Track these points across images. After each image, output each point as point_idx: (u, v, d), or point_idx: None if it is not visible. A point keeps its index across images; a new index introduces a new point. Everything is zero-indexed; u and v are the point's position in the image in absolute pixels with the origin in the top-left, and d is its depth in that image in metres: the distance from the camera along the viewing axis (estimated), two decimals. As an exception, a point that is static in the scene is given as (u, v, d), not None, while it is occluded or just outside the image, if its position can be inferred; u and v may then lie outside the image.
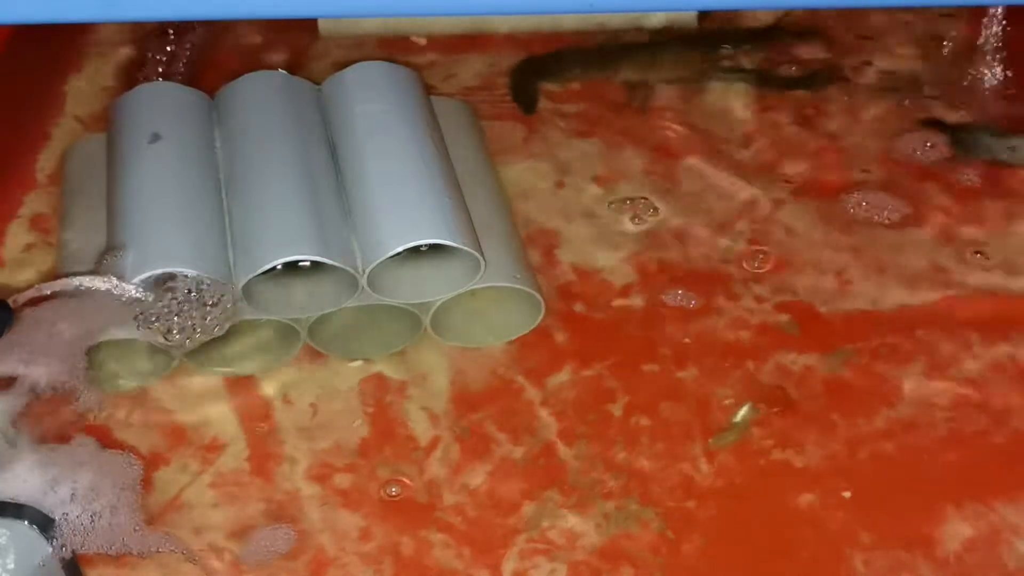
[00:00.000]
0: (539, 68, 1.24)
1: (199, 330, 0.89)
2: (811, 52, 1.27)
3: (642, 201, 1.09)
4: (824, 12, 1.31)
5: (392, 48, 1.26)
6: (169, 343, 0.90)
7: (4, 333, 0.88)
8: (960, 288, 1.01)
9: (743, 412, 0.91)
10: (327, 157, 1.02)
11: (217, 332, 0.91)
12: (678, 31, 1.28)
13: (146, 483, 0.84)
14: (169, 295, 0.89)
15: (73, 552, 0.78)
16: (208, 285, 0.90)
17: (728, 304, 1.00)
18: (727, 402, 0.92)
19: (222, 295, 0.90)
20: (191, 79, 1.16)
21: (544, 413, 0.92)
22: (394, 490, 0.86)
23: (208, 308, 0.89)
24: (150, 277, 0.90)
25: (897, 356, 0.95)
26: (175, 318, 0.89)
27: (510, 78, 1.23)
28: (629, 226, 1.07)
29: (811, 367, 0.95)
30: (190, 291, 0.89)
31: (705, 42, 1.28)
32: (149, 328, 0.89)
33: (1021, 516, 0.84)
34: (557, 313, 0.99)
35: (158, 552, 0.81)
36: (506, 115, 1.19)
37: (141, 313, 0.89)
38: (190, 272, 0.90)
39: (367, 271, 0.91)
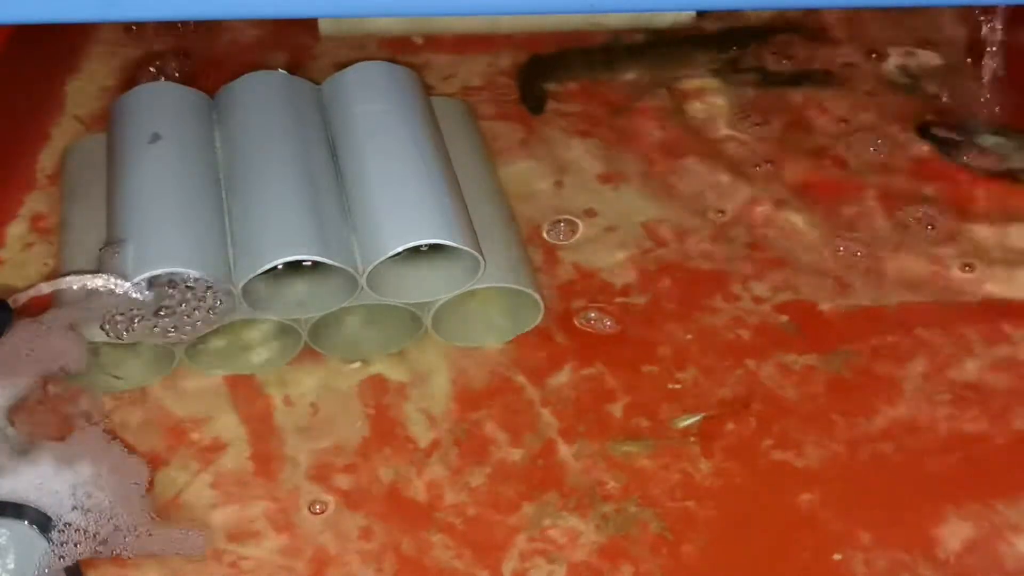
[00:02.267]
0: (545, 69, 1.24)
1: (189, 326, 0.90)
2: (813, 52, 1.27)
3: (641, 201, 1.09)
4: (827, 12, 1.31)
5: (392, 48, 1.26)
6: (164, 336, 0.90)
7: (4, 333, 0.88)
8: (960, 288, 1.01)
9: (691, 420, 0.91)
10: (327, 157, 1.02)
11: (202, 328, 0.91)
12: (680, 31, 1.28)
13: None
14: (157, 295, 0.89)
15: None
16: (193, 284, 0.90)
17: (727, 304, 1.00)
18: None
19: (207, 293, 0.90)
20: (191, 79, 1.16)
21: (544, 413, 0.92)
22: (318, 507, 0.86)
23: (198, 304, 0.89)
24: (150, 277, 0.90)
25: (897, 356, 0.95)
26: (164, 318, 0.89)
27: (517, 79, 1.23)
28: (629, 226, 1.07)
29: (811, 367, 0.95)
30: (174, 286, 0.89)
31: (708, 42, 1.28)
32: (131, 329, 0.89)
33: (1021, 516, 0.84)
34: (557, 313, 0.99)
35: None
36: (506, 115, 1.19)
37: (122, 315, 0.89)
38: (182, 272, 0.90)
39: (367, 271, 0.91)
